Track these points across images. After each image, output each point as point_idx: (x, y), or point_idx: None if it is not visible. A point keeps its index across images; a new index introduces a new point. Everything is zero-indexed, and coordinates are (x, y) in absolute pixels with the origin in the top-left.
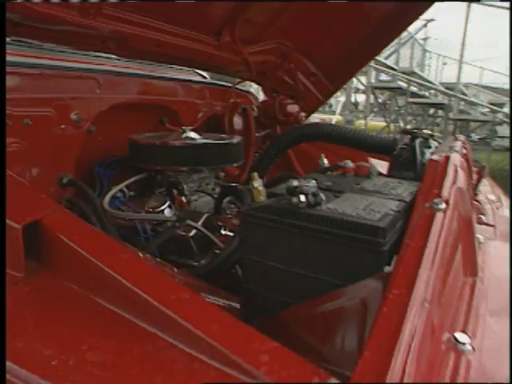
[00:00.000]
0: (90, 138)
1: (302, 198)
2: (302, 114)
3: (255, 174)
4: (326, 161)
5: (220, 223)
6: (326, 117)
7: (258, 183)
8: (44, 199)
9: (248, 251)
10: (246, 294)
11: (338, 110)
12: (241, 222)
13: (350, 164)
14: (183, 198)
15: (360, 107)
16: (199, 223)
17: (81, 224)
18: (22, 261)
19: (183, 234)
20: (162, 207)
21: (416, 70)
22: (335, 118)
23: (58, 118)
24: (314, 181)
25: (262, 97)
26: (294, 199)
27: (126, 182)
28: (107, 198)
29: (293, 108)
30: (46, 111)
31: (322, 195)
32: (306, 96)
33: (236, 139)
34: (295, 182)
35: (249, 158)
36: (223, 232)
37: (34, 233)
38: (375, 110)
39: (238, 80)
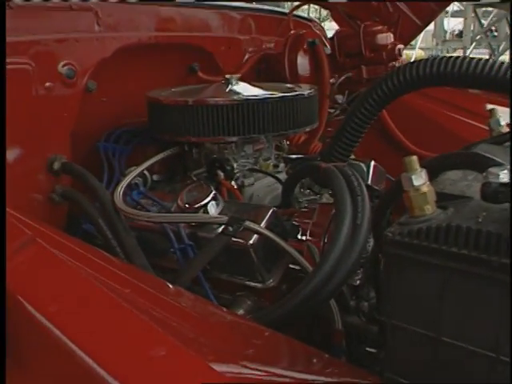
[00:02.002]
0: (90, 99)
1: None
2: (400, 46)
3: (414, 160)
4: (503, 121)
5: (295, 222)
6: None
7: (421, 179)
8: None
9: (398, 314)
10: None
11: (419, 43)
12: (384, 257)
13: None
14: (233, 183)
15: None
16: (262, 223)
17: (61, 267)
18: None
19: (240, 241)
20: (204, 201)
21: None
22: (414, 54)
23: (40, 73)
24: None
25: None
26: None
27: (146, 164)
28: (120, 189)
29: (386, 38)
30: (21, 63)
31: None
32: (397, 21)
33: (308, 89)
34: (504, 173)
35: (322, 117)
36: (300, 237)
37: None
38: (477, 38)
39: (297, 3)
